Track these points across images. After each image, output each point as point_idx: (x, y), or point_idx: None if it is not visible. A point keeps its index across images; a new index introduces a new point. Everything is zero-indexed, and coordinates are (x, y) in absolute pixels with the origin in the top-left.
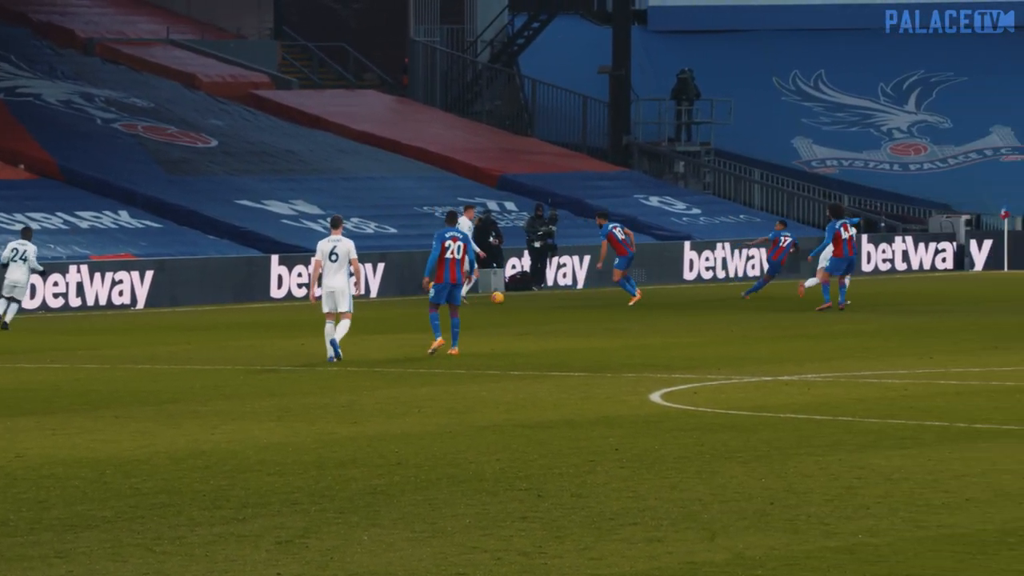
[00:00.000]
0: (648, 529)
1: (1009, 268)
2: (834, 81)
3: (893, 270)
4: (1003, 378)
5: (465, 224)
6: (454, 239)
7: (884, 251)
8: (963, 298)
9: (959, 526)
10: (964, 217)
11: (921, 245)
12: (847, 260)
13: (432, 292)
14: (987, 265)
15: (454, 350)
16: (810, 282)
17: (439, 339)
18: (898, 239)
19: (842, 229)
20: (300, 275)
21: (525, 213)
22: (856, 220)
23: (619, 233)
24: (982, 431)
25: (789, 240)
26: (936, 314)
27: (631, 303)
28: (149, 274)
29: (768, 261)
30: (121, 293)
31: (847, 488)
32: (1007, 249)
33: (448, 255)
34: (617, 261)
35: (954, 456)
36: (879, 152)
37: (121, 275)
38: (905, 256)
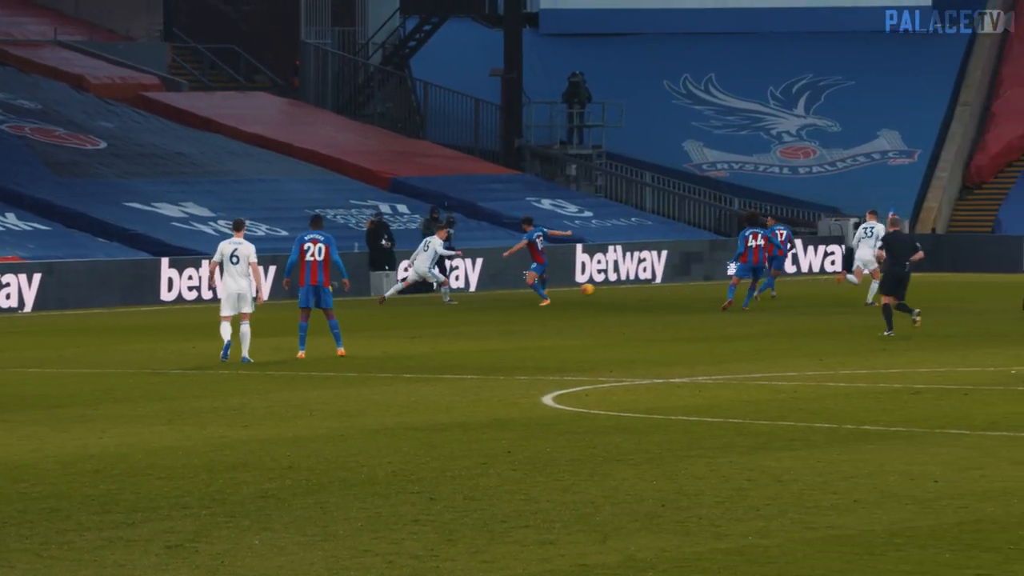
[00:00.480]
0: (540, 531)
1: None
2: (724, 84)
3: (783, 273)
4: (891, 380)
5: (437, 243)
6: (314, 241)
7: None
8: (852, 300)
9: (847, 527)
10: (852, 220)
11: (810, 248)
12: (751, 267)
13: (299, 296)
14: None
15: (340, 350)
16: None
17: (301, 352)
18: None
19: (751, 237)
20: (191, 278)
21: (418, 216)
22: (771, 230)
23: (540, 243)
24: (870, 433)
25: (784, 234)
26: (825, 316)
27: (542, 304)
28: (37, 277)
29: (768, 259)
30: (8, 296)
31: (737, 490)
32: None
33: (309, 257)
34: (533, 266)
35: (843, 458)
36: (769, 155)
37: (8, 278)
38: (795, 259)
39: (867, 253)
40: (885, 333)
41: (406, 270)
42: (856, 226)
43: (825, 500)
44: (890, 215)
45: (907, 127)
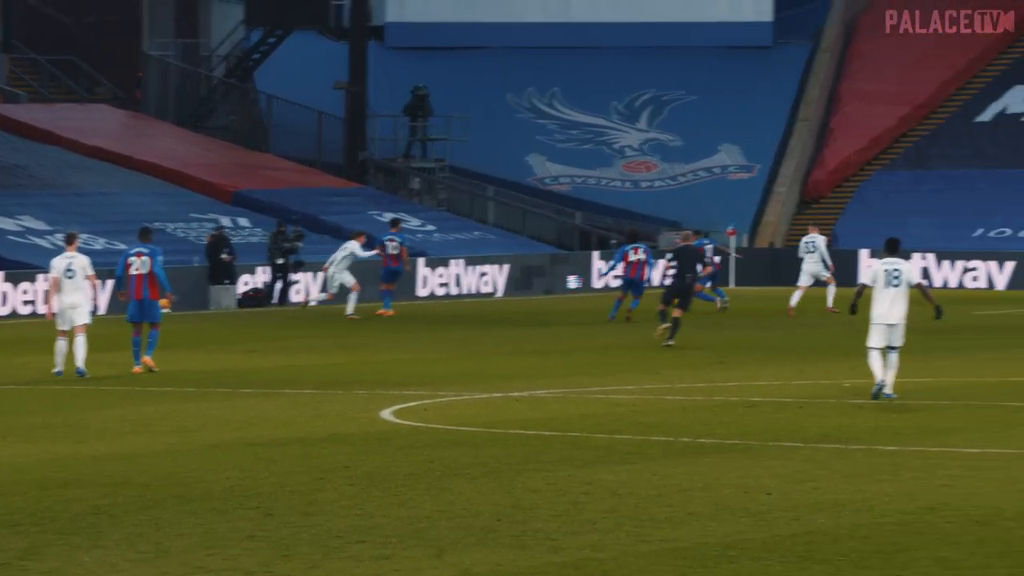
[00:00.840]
0: (376, 546)
1: (735, 285)
2: (568, 99)
3: (607, 287)
4: (727, 393)
5: (355, 246)
6: (139, 255)
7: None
8: (693, 314)
9: (681, 540)
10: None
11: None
12: (628, 280)
13: (128, 311)
14: (715, 281)
15: (147, 358)
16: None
17: (136, 367)
18: None
19: (631, 252)
20: (25, 292)
21: (259, 229)
22: (699, 243)
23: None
24: (705, 446)
25: (710, 247)
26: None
27: (381, 313)
28: None
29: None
30: None
31: (574, 503)
32: (733, 266)
33: (134, 271)
34: (382, 273)
35: (678, 471)
36: (611, 169)
37: None
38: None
39: (812, 267)
40: (666, 341)
41: (246, 284)
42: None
43: (660, 513)
44: (684, 231)
45: (747, 142)
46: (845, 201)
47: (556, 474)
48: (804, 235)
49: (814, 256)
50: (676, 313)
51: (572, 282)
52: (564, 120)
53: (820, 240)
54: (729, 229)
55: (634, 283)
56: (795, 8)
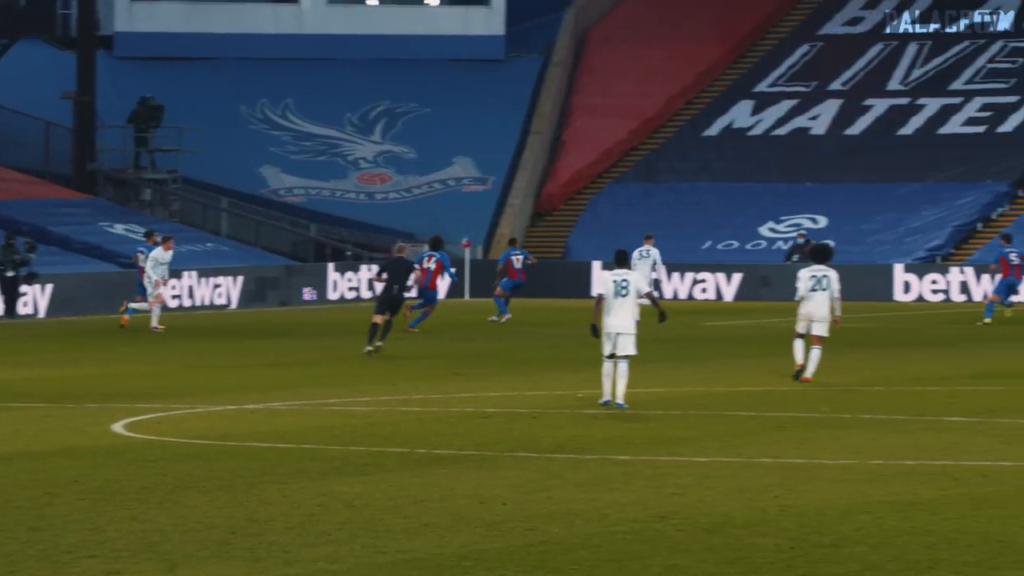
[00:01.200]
0: (107, 561)
1: (470, 296)
2: (302, 110)
3: (342, 299)
4: (463, 404)
5: (160, 253)
6: None
7: (350, 280)
8: (426, 326)
9: (417, 551)
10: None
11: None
12: (425, 290)
13: None
14: (449, 293)
15: None
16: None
17: None
18: (363, 268)
19: (425, 260)
20: None
21: None
22: (524, 253)
23: (516, 262)
24: (442, 456)
25: (521, 258)
26: (399, 342)
27: (125, 324)
28: None
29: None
30: None
31: (309, 515)
32: (468, 278)
33: None
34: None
35: (414, 482)
36: (346, 181)
37: None
38: (371, 285)
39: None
40: (367, 349)
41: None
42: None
43: (396, 524)
44: (400, 244)
45: (481, 154)
46: (578, 213)
47: (291, 486)
48: (640, 246)
49: (647, 263)
50: (377, 319)
51: (307, 294)
52: (298, 132)
53: (655, 251)
54: (463, 241)
55: (423, 292)
56: (526, 22)
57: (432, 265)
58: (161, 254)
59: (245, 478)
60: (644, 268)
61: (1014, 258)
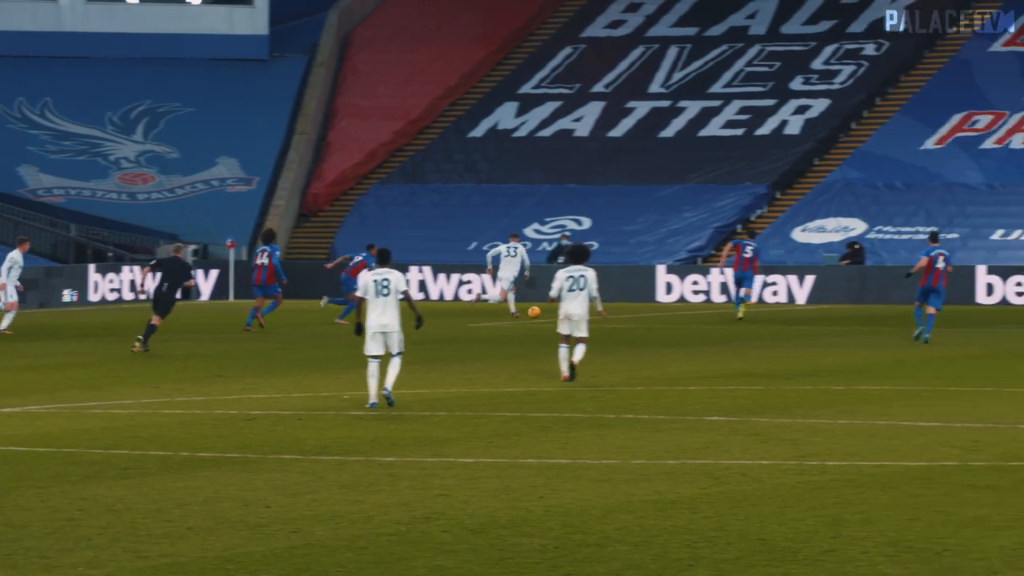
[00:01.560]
0: None
1: (235, 298)
2: (61, 109)
3: (104, 301)
4: (227, 406)
5: (17, 256)
6: None
7: (112, 281)
8: (190, 327)
9: (180, 555)
10: (192, 247)
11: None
12: (259, 287)
13: None
14: (214, 295)
15: None
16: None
17: None
18: (125, 269)
19: (259, 255)
20: None
21: None
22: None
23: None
24: (205, 459)
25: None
26: (164, 344)
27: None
28: None
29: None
30: None
31: (68, 520)
32: (232, 279)
33: None
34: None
35: (177, 485)
36: (107, 181)
37: None
38: (132, 286)
39: (509, 273)
40: (133, 347)
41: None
42: (196, 253)
43: (158, 528)
44: (177, 243)
45: (245, 154)
46: (344, 214)
47: (50, 491)
48: (506, 243)
49: (514, 260)
50: (155, 320)
51: (67, 295)
52: (57, 131)
53: (522, 248)
54: (228, 242)
55: (263, 288)
56: (290, 22)
57: (265, 260)
58: (19, 256)
59: (1, 483)
60: (513, 266)
61: (749, 251)
